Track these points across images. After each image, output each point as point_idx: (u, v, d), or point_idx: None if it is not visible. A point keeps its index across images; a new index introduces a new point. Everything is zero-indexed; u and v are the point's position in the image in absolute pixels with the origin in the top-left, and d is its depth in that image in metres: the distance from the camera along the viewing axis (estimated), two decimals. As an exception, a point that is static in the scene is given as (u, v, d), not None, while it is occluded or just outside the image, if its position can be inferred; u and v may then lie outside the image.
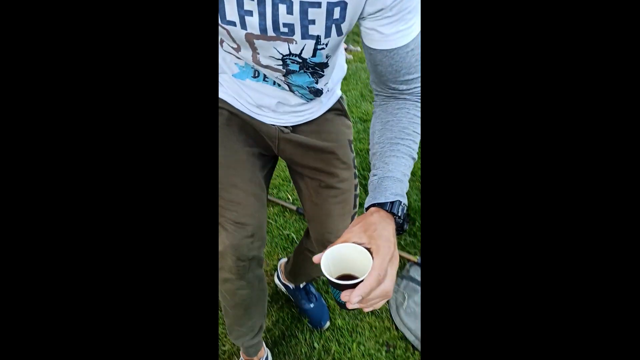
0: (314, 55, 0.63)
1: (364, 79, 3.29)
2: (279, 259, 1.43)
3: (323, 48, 0.62)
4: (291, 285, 1.28)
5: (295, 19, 0.56)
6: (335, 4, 0.55)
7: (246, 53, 0.66)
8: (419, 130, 0.62)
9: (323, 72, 0.71)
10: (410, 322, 1.22)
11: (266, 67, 0.68)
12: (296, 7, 0.55)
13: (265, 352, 1.11)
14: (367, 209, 0.58)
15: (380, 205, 0.56)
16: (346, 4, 0.55)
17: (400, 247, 1.53)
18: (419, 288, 1.30)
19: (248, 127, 0.84)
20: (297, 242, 1.21)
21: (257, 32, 0.59)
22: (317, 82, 0.74)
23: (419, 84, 0.62)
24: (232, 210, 0.77)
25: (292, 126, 0.84)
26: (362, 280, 0.48)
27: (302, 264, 1.11)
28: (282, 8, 0.55)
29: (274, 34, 0.59)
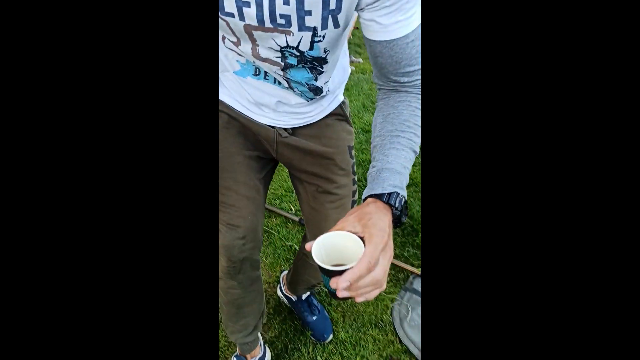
0: (311, 48, 0.63)
1: (365, 90, 3.31)
2: (281, 271, 1.42)
3: (320, 41, 0.62)
4: (293, 297, 1.27)
5: (291, 9, 0.56)
6: None
7: (246, 46, 0.66)
8: (419, 122, 0.61)
9: (322, 68, 0.71)
10: (414, 335, 1.21)
11: (265, 60, 0.68)
12: None
13: (261, 351, 1.12)
14: (365, 200, 0.57)
15: (378, 196, 0.56)
16: None
17: (404, 259, 1.52)
18: (422, 301, 1.29)
19: (247, 130, 0.84)
20: (301, 254, 1.21)
21: (254, 23, 0.59)
22: (316, 80, 0.73)
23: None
24: (225, 212, 0.78)
25: (291, 129, 0.84)
26: (352, 268, 0.47)
27: (301, 270, 1.12)
28: None
29: (271, 26, 0.59)
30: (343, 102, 0.90)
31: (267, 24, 0.59)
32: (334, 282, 0.47)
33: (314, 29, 0.59)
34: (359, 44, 5.04)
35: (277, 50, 0.64)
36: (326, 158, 0.86)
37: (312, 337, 1.21)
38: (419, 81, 0.61)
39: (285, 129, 0.84)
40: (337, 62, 0.75)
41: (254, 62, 0.72)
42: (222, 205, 0.79)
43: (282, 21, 0.58)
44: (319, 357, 1.17)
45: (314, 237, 0.52)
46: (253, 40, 0.64)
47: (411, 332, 1.23)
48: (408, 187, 1.96)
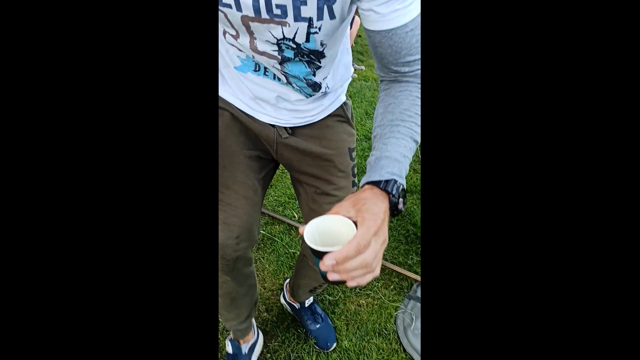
0: (307, 40, 0.63)
1: (368, 97, 3.32)
2: (284, 279, 1.42)
3: (316, 32, 0.62)
4: (297, 305, 1.26)
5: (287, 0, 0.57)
6: None
7: (244, 40, 0.67)
8: (420, 112, 0.61)
9: (320, 62, 0.71)
10: (418, 344, 1.20)
11: (263, 53, 0.68)
12: None
13: (254, 336, 1.16)
14: (362, 187, 0.57)
15: (375, 184, 0.55)
16: None
17: (408, 266, 1.51)
18: (426, 309, 1.28)
19: (248, 130, 0.85)
20: (304, 262, 1.21)
21: (251, 14, 0.59)
22: (314, 75, 0.73)
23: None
24: (221, 211, 0.79)
25: (291, 128, 0.84)
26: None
27: (301, 271, 1.12)
28: None
29: (267, 16, 0.59)
30: (345, 103, 0.90)
31: (264, 14, 0.59)
32: (323, 264, 0.47)
33: (310, 20, 0.59)
34: (361, 51, 5.06)
35: (273, 43, 0.65)
36: (325, 160, 0.86)
37: (315, 346, 1.21)
38: (420, 70, 0.61)
39: (285, 129, 0.84)
40: (335, 58, 0.75)
41: (253, 57, 0.72)
42: (219, 203, 0.79)
43: (278, 11, 0.58)
44: (322, 366, 1.16)
45: None
46: (250, 33, 0.64)
47: (415, 341, 1.22)
48: (411, 194, 1.95)
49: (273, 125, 0.83)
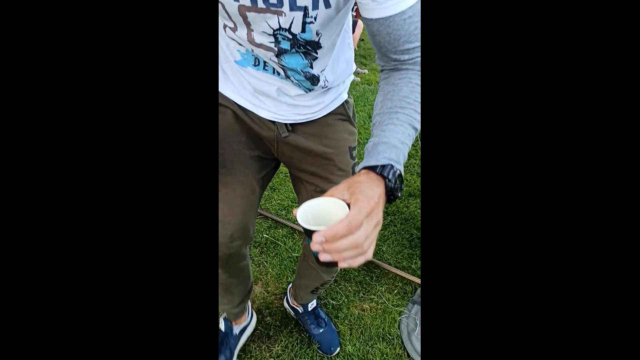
0: (303, 30, 0.63)
1: (371, 101, 3.33)
2: (288, 283, 1.41)
3: (312, 22, 0.62)
4: (300, 309, 1.26)
5: None
6: None
7: (242, 32, 0.67)
8: (420, 99, 0.60)
9: (316, 53, 0.70)
10: (423, 349, 1.19)
11: (260, 45, 0.68)
12: None
13: (247, 319, 1.20)
14: (358, 172, 0.56)
15: (371, 168, 0.55)
16: None
17: (412, 271, 1.50)
18: (431, 314, 1.28)
19: (250, 130, 0.85)
20: (307, 266, 1.21)
21: (248, 3, 0.60)
22: (312, 67, 0.73)
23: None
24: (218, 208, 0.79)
25: (291, 124, 0.84)
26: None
27: (302, 271, 1.13)
28: None
29: (263, 6, 0.60)
30: (346, 102, 0.89)
31: (260, 3, 0.59)
32: (313, 242, 0.46)
33: (305, 9, 0.60)
34: (364, 55, 5.07)
35: (270, 34, 0.65)
36: (325, 158, 0.86)
37: (319, 351, 1.20)
38: (419, 58, 0.61)
39: (285, 126, 0.84)
40: (333, 49, 0.75)
41: (252, 51, 0.72)
42: None
43: (274, 1, 0.59)
44: (325, 371, 1.15)
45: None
46: (248, 25, 0.64)
47: (419, 346, 1.21)
48: (415, 198, 1.95)
49: (274, 123, 0.84)
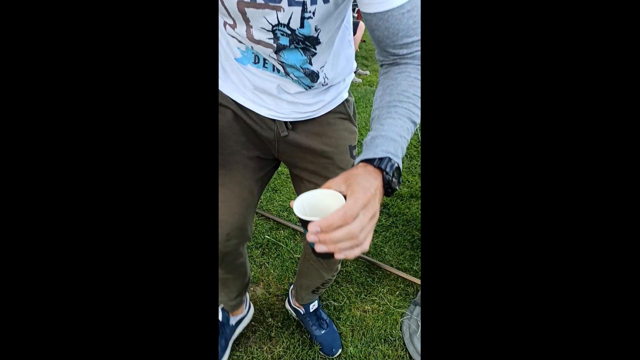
0: (302, 25, 0.63)
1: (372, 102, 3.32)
2: (289, 284, 1.41)
3: (310, 17, 0.62)
4: (302, 310, 1.26)
5: None
6: None
7: (241, 29, 0.67)
8: (419, 93, 0.60)
9: (315, 49, 0.70)
10: (425, 351, 1.19)
11: (259, 42, 0.68)
12: None
13: (244, 311, 1.23)
14: (356, 165, 0.56)
15: (368, 161, 0.54)
16: None
17: (413, 272, 1.50)
18: (432, 315, 1.27)
19: (250, 130, 0.85)
20: (309, 267, 1.21)
21: None
22: (311, 63, 0.73)
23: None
24: None
25: (291, 122, 0.84)
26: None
27: (303, 270, 1.13)
28: None
29: (262, 1, 0.60)
30: (347, 100, 0.89)
31: None
32: (309, 232, 0.46)
33: (304, 4, 0.60)
34: (365, 56, 5.07)
35: (269, 30, 0.65)
36: (325, 157, 0.86)
37: (320, 352, 1.20)
38: (419, 52, 0.61)
39: (285, 124, 0.84)
40: (333, 46, 0.75)
41: (252, 48, 0.72)
42: None
43: None
44: (327, 373, 1.15)
45: None
46: (247, 21, 0.65)
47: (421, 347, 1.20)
48: (416, 199, 1.94)
49: (274, 121, 0.83)
